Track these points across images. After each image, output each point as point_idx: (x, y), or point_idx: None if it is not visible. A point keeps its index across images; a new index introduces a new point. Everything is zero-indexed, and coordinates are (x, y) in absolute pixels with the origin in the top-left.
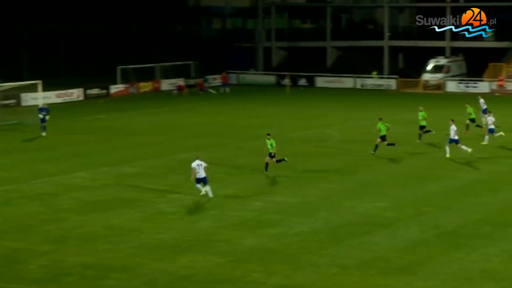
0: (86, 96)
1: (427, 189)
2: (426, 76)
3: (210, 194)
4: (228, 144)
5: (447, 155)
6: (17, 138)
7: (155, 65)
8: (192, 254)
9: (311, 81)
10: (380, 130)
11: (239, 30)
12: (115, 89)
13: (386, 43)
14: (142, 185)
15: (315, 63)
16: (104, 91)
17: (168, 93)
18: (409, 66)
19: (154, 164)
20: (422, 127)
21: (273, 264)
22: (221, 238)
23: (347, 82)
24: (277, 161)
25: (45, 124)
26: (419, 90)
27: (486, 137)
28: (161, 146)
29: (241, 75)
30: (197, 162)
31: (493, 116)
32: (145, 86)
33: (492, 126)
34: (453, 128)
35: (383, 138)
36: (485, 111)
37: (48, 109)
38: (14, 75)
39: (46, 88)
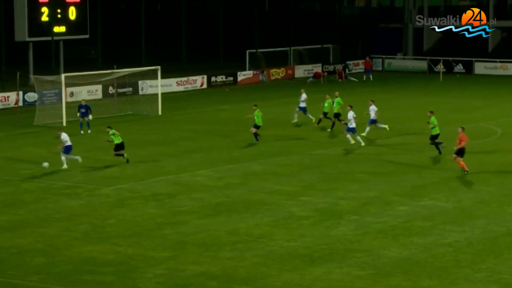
0: (210, 84)
1: None
2: None
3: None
4: (370, 139)
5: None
6: (132, 131)
7: (289, 48)
8: (327, 265)
9: (468, 67)
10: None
11: (386, 9)
12: (242, 76)
13: None
14: (271, 186)
15: (474, 46)
16: (230, 79)
17: (302, 80)
18: None
19: (285, 162)
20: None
21: (421, 278)
22: (361, 248)
23: None
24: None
25: (87, 119)
26: None
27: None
28: (292, 141)
29: (387, 61)
30: (64, 134)
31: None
32: (277, 73)
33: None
34: (373, 108)
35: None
36: (302, 109)
37: (88, 106)
38: (132, 60)
39: (165, 75)
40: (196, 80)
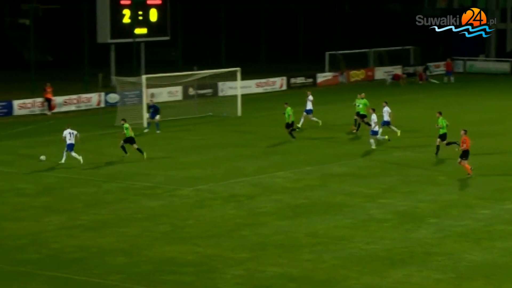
0: (290, 86)
1: None
2: None
3: (80, 159)
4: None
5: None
6: (211, 133)
7: (369, 50)
8: (407, 268)
9: None
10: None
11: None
12: (322, 77)
13: None
14: (350, 188)
15: None
16: (309, 80)
17: (382, 82)
18: None
19: (364, 164)
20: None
21: (503, 283)
22: (442, 251)
23: None
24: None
25: (156, 121)
26: None
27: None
28: None
29: (469, 62)
30: (69, 130)
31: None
32: (357, 75)
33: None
34: (386, 110)
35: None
36: (309, 112)
37: (157, 107)
38: (212, 61)
39: (245, 77)
40: (275, 81)
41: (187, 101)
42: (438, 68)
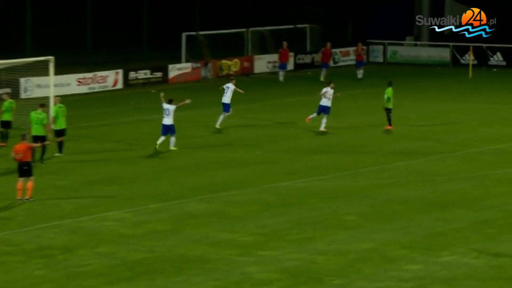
0: (128, 83)
1: None
2: None
3: None
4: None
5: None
6: None
7: (245, 30)
8: None
9: (511, 58)
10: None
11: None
12: (176, 70)
13: None
14: (216, 234)
15: None
16: (157, 75)
17: (267, 78)
18: None
19: (236, 198)
20: None
21: None
22: None
23: None
24: None
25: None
26: None
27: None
28: (249, 167)
29: (391, 48)
30: None
31: None
32: (227, 66)
33: None
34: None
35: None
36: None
37: None
38: (10, 48)
39: (61, 70)
40: (106, 77)
41: None
42: (348, 56)
